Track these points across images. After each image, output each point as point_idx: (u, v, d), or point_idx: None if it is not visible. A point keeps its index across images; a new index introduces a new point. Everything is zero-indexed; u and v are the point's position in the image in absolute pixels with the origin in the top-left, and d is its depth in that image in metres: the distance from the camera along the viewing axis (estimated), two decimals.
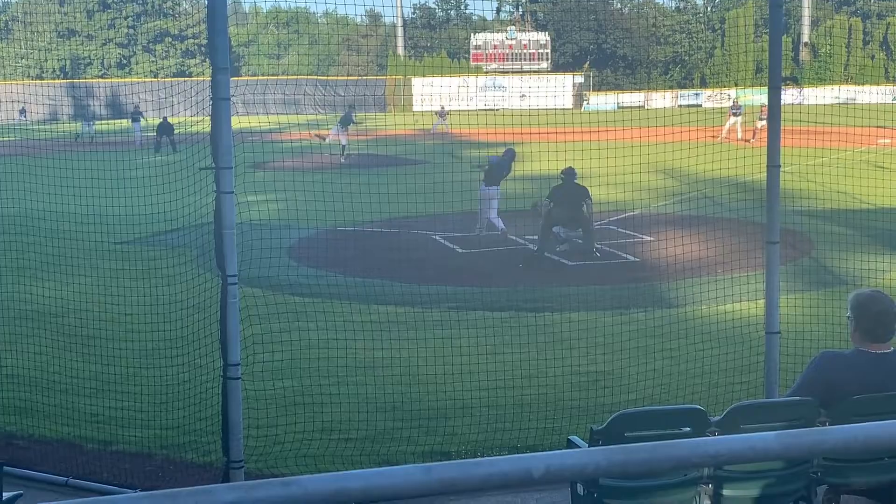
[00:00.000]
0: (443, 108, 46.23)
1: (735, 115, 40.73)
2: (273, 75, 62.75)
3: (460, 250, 17.74)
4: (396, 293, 13.39)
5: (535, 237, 16.99)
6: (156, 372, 9.15)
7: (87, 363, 9.89)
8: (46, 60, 78.74)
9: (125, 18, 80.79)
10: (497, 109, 43.80)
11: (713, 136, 32.81)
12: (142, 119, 44.94)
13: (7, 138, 25.34)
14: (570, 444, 6.02)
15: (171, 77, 73.17)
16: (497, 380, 9.14)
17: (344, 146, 36.03)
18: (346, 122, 36.35)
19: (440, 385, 9.07)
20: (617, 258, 16.79)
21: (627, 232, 19.05)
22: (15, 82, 69.74)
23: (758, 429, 5.46)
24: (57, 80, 73.21)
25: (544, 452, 1.93)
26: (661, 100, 71.59)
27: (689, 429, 5.51)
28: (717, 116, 38.79)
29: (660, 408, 7.42)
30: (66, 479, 7.79)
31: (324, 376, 9.39)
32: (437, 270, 15.71)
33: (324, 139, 36.21)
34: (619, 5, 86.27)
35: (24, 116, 47.23)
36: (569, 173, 17.19)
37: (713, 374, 9.25)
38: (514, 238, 18.04)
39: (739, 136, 38.44)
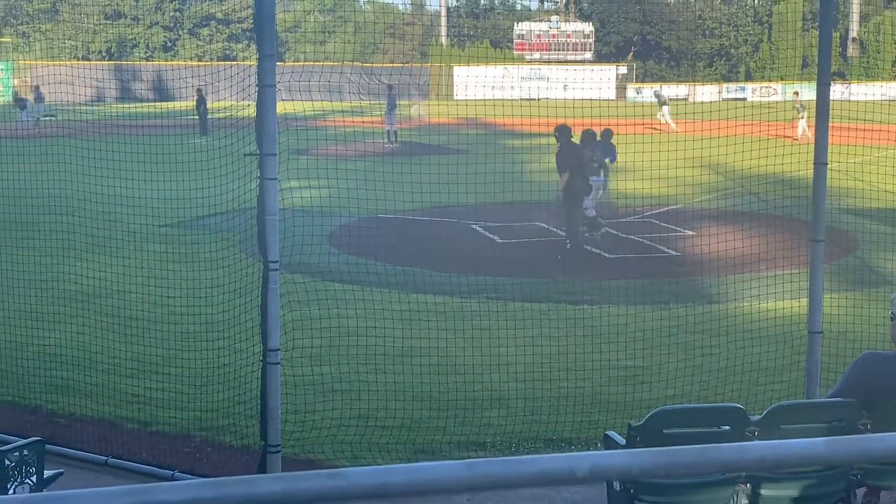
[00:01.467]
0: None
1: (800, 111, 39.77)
2: (317, 61, 62.91)
3: (499, 240, 17.71)
4: (435, 282, 13.40)
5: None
6: (196, 355, 9.23)
7: (128, 344, 10.02)
8: (93, 42, 79.51)
9: (171, 2, 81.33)
10: (539, 99, 43.58)
11: (791, 139, 32.33)
12: (28, 104, 41.13)
13: (54, 118, 25.64)
14: (608, 439, 6.00)
15: (216, 61, 73.56)
16: (534, 371, 9.13)
17: (389, 131, 36.00)
18: (392, 105, 36.21)
19: (477, 375, 9.08)
20: (657, 252, 16.68)
21: (668, 226, 18.92)
22: (62, 63, 70.50)
23: (799, 430, 5.42)
24: (103, 62, 73.88)
25: (588, 452, 1.93)
26: (706, 93, 70.93)
27: (728, 427, 5.47)
28: (764, 111, 38.30)
29: (699, 406, 7.38)
30: (105, 458, 7.90)
31: (361, 363, 9.43)
32: (475, 260, 15.70)
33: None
34: None
35: (26, 105, 45.41)
36: (563, 132, 16.50)
37: (753, 372, 9.17)
38: (546, 227, 17.95)
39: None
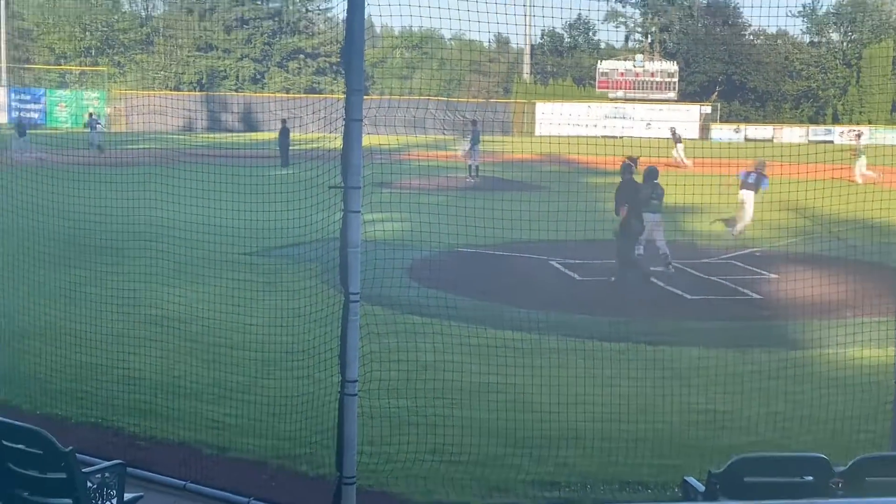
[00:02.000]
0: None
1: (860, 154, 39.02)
2: (401, 95, 63.59)
3: (578, 277, 17.61)
4: (512, 318, 13.36)
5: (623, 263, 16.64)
6: (275, 382, 9.33)
7: (209, 370, 10.17)
8: (185, 73, 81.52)
9: (262, 35, 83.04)
10: (621, 137, 43.36)
11: (873, 181, 31.76)
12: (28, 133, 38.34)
13: (143, 146, 26.29)
14: (686, 485, 5.89)
15: (303, 93, 74.82)
16: (611, 412, 9.02)
17: (471, 165, 36.17)
18: (475, 140, 36.39)
19: (553, 414, 9.00)
20: (739, 294, 16.40)
21: (751, 268, 18.61)
22: (154, 93, 72.41)
23: (885, 483, 5.25)
24: (194, 93, 75.68)
25: None
26: (791, 135, 69.84)
27: (811, 478, 5.33)
28: (847, 156, 37.53)
29: (781, 454, 7.20)
30: (184, 482, 8.01)
31: (437, 397, 9.42)
32: (553, 297, 15.62)
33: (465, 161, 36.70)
34: (751, 37, 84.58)
35: (97, 127, 47.12)
36: (626, 168, 16.93)
37: (837, 421, 8.94)
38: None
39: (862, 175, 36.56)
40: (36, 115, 67.30)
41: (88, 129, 45.81)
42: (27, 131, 36.86)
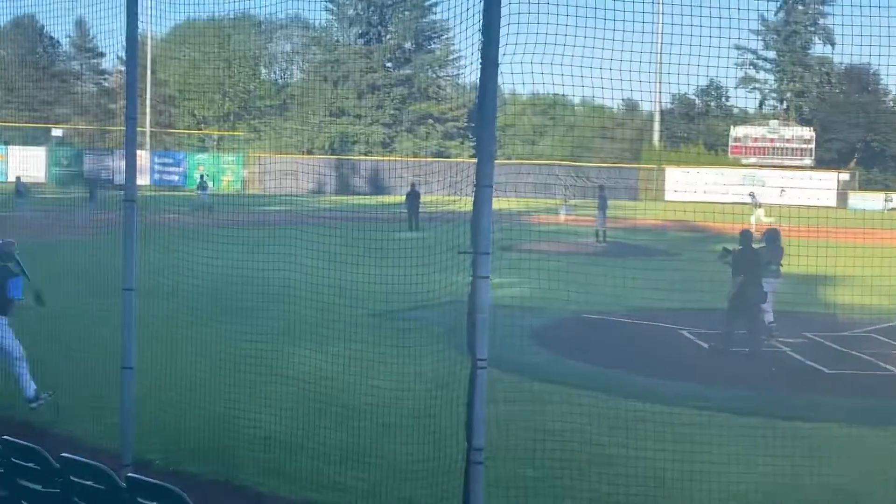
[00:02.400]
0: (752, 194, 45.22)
1: None
2: (527, 159, 63.85)
3: (708, 347, 17.13)
4: (639, 387, 13.07)
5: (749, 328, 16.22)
6: (400, 447, 9.29)
7: (335, 430, 10.20)
8: (317, 137, 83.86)
9: (392, 101, 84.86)
10: (754, 204, 42.48)
11: None
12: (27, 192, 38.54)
13: (276, 208, 27.03)
14: None
15: (431, 157, 75.94)
16: (746, 490, 8.66)
17: (598, 231, 35.94)
18: (602, 205, 36.20)
19: (685, 491, 8.69)
20: (881, 370, 15.66)
21: (893, 342, 17.78)
22: (288, 155, 74.65)
23: None
24: (325, 156, 77.70)
25: None
26: None
27: None
28: None
29: None
30: None
31: (564, 468, 9.21)
32: (682, 367, 15.21)
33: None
34: (892, 103, 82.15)
35: (207, 189, 48.28)
36: (745, 235, 16.66)
37: None
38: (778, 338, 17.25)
39: None
40: (176, 178, 70.15)
41: (199, 191, 47.36)
42: (97, 191, 36.20)
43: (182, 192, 53.68)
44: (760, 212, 40.45)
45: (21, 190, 38.21)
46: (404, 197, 40.77)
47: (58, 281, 14.38)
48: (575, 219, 41.87)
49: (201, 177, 53.21)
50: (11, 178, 54.96)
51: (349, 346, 12.55)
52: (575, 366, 14.43)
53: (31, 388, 11.65)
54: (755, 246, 16.93)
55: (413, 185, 40.35)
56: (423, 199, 37.78)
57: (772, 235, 17.88)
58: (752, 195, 43.81)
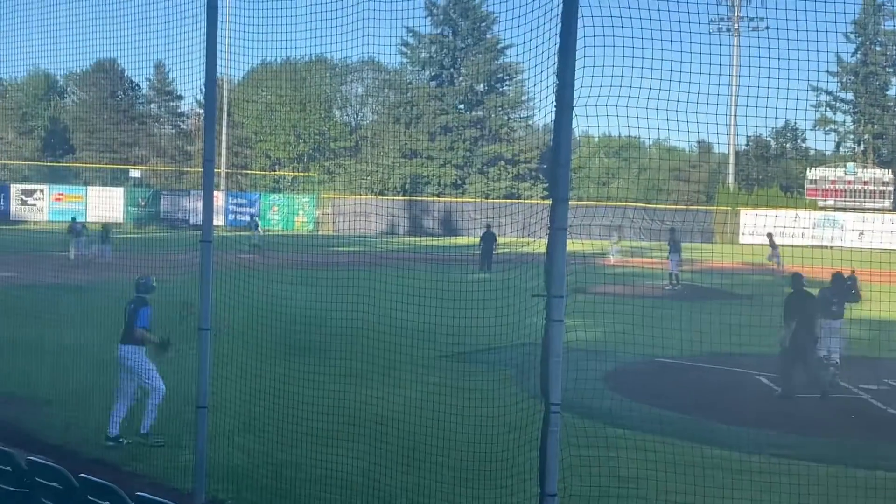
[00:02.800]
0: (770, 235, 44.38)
1: None
2: (599, 200, 63.59)
3: (777, 394, 16.75)
4: (714, 433, 12.82)
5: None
6: (471, 491, 9.20)
7: (404, 473, 10.15)
8: (389, 178, 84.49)
9: (464, 142, 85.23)
10: (831, 247, 41.63)
11: None
12: (84, 231, 39.06)
13: (348, 248, 27.25)
14: None
15: (502, 199, 76.01)
16: None
17: (671, 273, 35.48)
18: (676, 248, 35.76)
19: None
20: None
21: None
22: (360, 196, 75.35)
23: None
24: (397, 197, 78.25)
25: None
26: None
27: None
28: None
29: None
30: None
31: None
32: (759, 413, 14.88)
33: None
34: None
35: (257, 228, 49.95)
36: (796, 278, 16.51)
37: None
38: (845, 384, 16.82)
39: None
40: (248, 218, 71.26)
41: (251, 230, 48.20)
42: (110, 235, 36.40)
43: (240, 232, 54.56)
44: (777, 251, 39.55)
45: (77, 230, 38.78)
46: (478, 238, 40.80)
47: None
48: (622, 261, 41.54)
49: (251, 216, 54.32)
50: (91, 218, 56.34)
51: (420, 387, 12.53)
52: (648, 410, 14.20)
53: (117, 426, 11.83)
54: (807, 289, 16.74)
55: (489, 226, 40.37)
56: (498, 239, 37.87)
57: (837, 277, 17.65)
58: (769, 236, 42.84)
